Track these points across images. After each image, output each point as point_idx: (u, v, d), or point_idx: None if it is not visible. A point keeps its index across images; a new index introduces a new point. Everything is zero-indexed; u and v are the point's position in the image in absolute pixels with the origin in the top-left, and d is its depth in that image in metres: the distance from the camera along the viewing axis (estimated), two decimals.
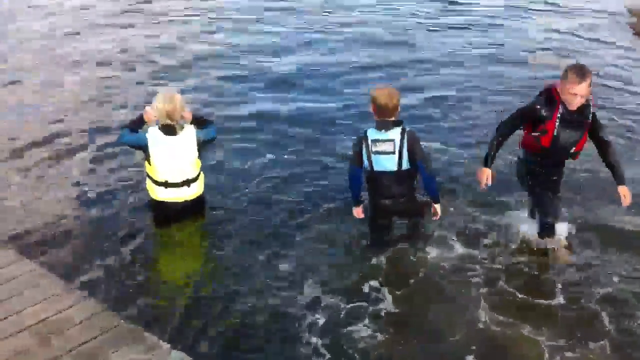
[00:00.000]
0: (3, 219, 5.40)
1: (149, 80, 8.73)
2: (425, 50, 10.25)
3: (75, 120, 7.46)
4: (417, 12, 12.75)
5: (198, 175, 5.10)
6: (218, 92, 8.38)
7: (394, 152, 4.64)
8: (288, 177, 6.19)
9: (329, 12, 12.51)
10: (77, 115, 7.64)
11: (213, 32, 11.17)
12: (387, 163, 4.68)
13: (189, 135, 4.89)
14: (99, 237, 5.18)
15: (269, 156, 6.60)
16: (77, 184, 6.04)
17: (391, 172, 4.70)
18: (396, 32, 11.29)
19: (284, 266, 4.86)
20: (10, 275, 4.20)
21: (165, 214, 5.15)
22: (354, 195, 4.97)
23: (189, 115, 5.00)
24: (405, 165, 4.68)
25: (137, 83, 8.72)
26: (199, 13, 12.45)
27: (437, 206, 4.90)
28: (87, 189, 5.95)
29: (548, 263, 4.88)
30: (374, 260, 4.90)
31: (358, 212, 5.02)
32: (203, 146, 5.05)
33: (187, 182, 5.01)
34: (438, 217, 4.96)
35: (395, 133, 4.64)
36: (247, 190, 5.95)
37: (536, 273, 4.80)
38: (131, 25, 11.45)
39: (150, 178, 5.02)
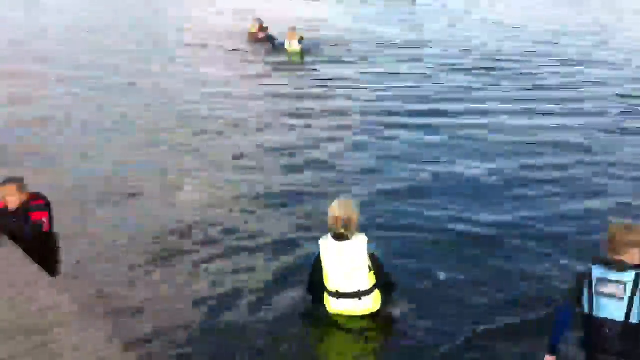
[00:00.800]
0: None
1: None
2: None
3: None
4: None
5: (372, 290, 4.84)
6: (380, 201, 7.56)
7: (622, 298, 3.83)
8: (468, 296, 5.42)
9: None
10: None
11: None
12: (612, 310, 3.87)
13: (360, 243, 4.75)
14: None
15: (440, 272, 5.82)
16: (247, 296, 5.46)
17: (616, 322, 3.86)
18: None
19: None
20: None
21: (337, 328, 4.93)
22: (552, 339, 4.12)
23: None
24: (635, 317, 3.83)
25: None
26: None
27: None
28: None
29: None
30: None
31: None
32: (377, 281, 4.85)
33: (359, 294, 4.80)
34: None
35: (628, 276, 3.85)
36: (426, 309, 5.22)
37: None
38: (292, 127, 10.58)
39: (325, 289, 4.92)
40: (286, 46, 16.29)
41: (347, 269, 4.75)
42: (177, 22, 20.75)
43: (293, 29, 16.34)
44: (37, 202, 6.16)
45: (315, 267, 4.89)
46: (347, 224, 4.71)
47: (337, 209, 4.75)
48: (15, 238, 5.92)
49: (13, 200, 6.05)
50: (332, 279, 4.80)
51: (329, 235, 4.80)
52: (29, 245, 5.83)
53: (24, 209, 6.04)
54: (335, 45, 17.07)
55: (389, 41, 17.60)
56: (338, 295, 4.81)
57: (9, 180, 6.14)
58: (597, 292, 3.90)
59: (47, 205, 6.20)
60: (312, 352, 4.84)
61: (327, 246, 4.77)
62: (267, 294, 5.44)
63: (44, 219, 6.11)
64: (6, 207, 6.07)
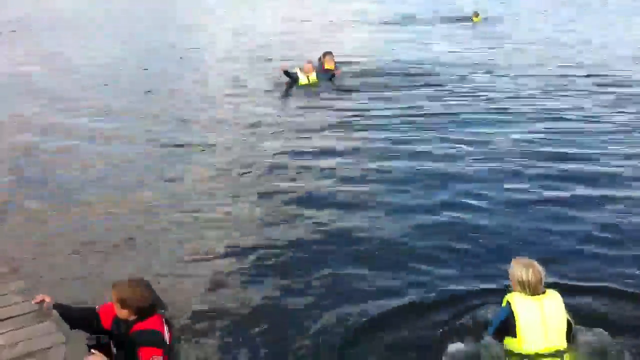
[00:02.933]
0: None
1: None
2: None
3: None
4: None
5: (568, 350, 4.60)
6: None
7: None
8: None
9: None
10: None
11: None
12: None
13: (558, 298, 4.59)
14: None
15: None
16: None
17: None
18: None
19: None
20: None
21: None
22: None
23: None
24: None
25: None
26: None
27: None
28: None
29: None
30: None
31: None
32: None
33: (559, 354, 4.54)
34: None
35: None
36: None
37: None
38: None
39: (512, 353, 4.63)
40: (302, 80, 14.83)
41: (549, 327, 4.51)
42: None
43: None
44: (151, 325, 4.22)
45: (506, 324, 4.58)
46: (534, 287, 4.54)
47: (527, 269, 4.56)
48: None
49: (117, 310, 4.34)
50: (530, 342, 4.51)
51: (520, 294, 4.58)
52: None
53: (132, 338, 4.18)
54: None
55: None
56: (537, 356, 4.53)
57: (119, 283, 4.39)
58: None
59: (168, 329, 4.36)
60: None
61: (526, 305, 4.51)
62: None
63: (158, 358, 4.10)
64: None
